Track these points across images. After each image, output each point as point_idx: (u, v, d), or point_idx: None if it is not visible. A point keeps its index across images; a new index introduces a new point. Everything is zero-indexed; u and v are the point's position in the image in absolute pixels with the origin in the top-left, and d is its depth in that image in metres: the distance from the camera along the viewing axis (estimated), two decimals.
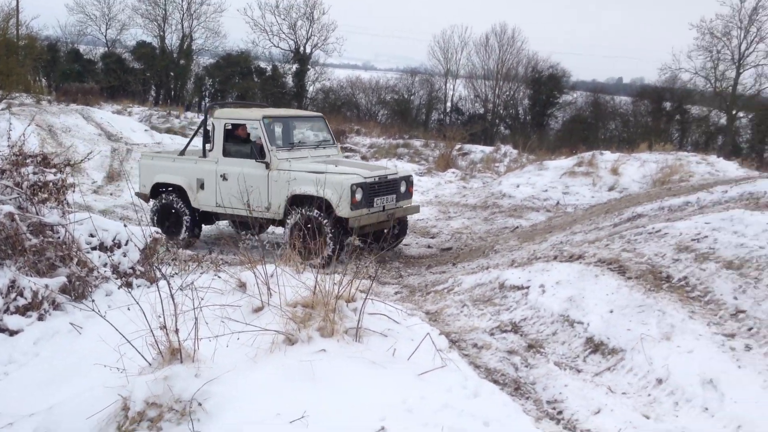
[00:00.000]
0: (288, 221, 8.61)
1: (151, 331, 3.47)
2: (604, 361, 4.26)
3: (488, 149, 21.80)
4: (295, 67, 37.29)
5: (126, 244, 5.86)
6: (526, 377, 4.18)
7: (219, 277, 4.76)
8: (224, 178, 9.03)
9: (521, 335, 4.66)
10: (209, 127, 9.64)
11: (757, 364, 4.07)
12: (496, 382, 3.99)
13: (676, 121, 36.40)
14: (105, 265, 5.56)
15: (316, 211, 8.24)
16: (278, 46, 37.68)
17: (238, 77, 36.64)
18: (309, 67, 37.51)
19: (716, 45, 36.52)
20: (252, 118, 9.25)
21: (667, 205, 7.44)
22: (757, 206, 6.49)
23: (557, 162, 13.05)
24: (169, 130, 22.07)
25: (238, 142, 9.33)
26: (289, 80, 37.79)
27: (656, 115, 35.94)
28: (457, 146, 20.26)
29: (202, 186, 9.35)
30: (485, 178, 15.09)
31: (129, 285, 5.45)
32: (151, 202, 9.78)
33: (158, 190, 9.87)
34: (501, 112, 35.73)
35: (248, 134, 9.50)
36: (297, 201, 8.57)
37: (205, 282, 4.70)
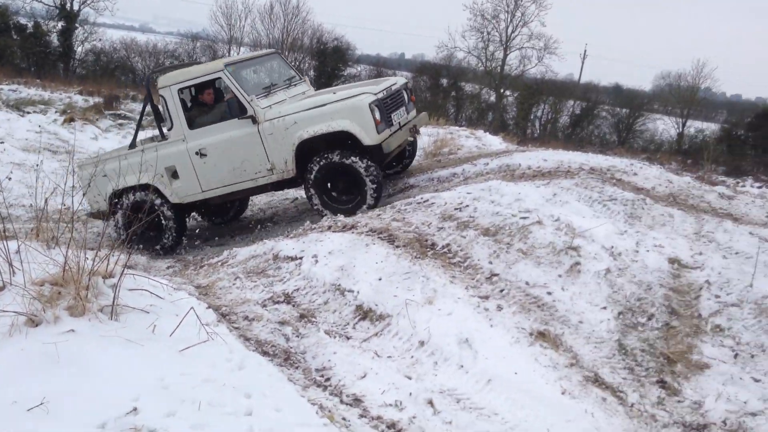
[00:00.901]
0: (307, 175, 7.17)
1: None
2: (372, 327, 4.42)
3: None
4: (60, 24, 34.01)
5: None
6: (297, 347, 4.21)
7: None
8: (201, 154, 7.41)
9: (294, 306, 4.68)
10: (158, 103, 7.81)
11: (506, 322, 4.46)
12: (266, 353, 3.98)
13: (452, 97, 38.70)
14: None
15: (338, 154, 6.95)
16: (41, 1, 34.18)
17: None
18: (77, 25, 34.42)
19: (487, 27, 39.38)
20: (211, 70, 7.48)
21: (436, 176, 7.88)
22: (512, 177, 7.09)
23: None
24: None
25: (201, 108, 7.63)
26: (54, 39, 34.39)
27: (434, 91, 37.98)
28: None
29: (174, 174, 7.63)
30: None
31: None
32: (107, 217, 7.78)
33: (117, 201, 7.84)
34: None
35: (212, 95, 7.77)
36: (305, 149, 7.19)
37: None
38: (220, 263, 5.79)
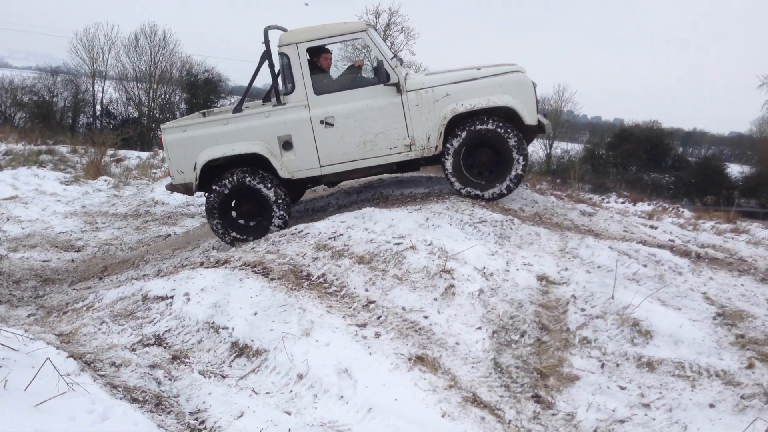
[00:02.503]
0: (448, 151, 6.71)
1: None
2: (249, 364, 4.29)
3: (145, 154, 20.89)
4: None
5: None
6: (169, 390, 4.01)
7: None
8: (327, 123, 6.68)
9: (165, 347, 4.47)
10: (279, 62, 6.89)
11: (385, 349, 4.45)
12: (135, 400, 3.75)
13: None
14: None
15: (493, 122, 6.55)
16: None
17: None
18: None
19: (358, 56, 39.97)
20: (352, 30, 6.77)
21: (311, 206, 7.85)
22: (386, 203, 7.17)
23: None
24: None
25: (322, 72, 6.89)
26: None
27: None
28: (110, 152, 19.04)
29: (288, 145, 6.76)
30: (141, 185, 14.40)
31: None
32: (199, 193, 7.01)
33: (210, 174, 6.86)
34: (157, 115, 34.50)
35: (330, 60, 7.11)
36: (452, 125, 6.72)
37: None
38: (84, 308, 5.45)
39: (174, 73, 35.66)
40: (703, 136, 78.34)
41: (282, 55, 6.79)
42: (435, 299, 5.03)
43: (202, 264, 5.65)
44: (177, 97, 35.42)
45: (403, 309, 4.89)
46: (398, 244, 5.67)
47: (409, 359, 4.36)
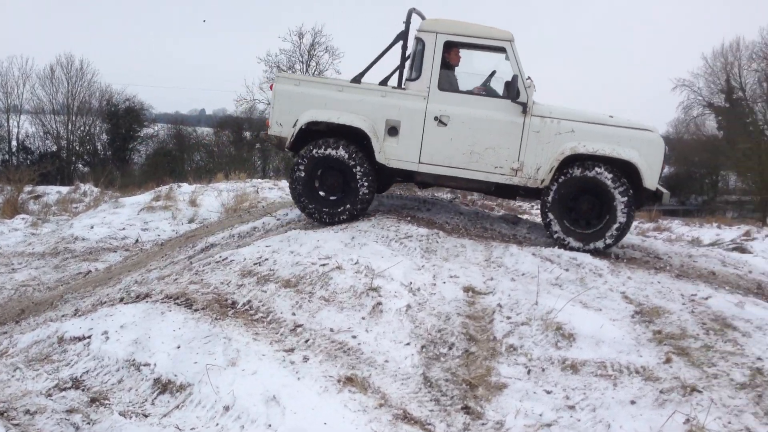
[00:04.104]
0: (553, 189, 6.42)
1: None
2: (173, 400, 4.16)
3: (66, 189, 20.20)
4: None
5: None
6: None
7: None
8: (440, 121, 6.48)
9: (83, 390, 4.30)
10: (414, 46, 6.71)
11: (314, 372, 4.40)
12: None
13: (257, 149, 38.63)
14: None
15: (609, 174, 6.20)
16: None
17: None
18: None
19: None
20: (499, 36, 6.50)
21: (237, 232, 7.74)
22: (312, 225, 7.13)
23: (135, 198, 12.69)
24: None
25: (450, 69, 6.65)
26: None
27: (238, 145, 37.71)
28: (28, 188, 18.33)
29: (393, 131, 6.58)
30: (61, 221, 13.91)
31: None
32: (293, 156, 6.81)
33: (309, 135, 6.69)
34: (77, 148, 33.54)
35: (459, 57, 6.85)
36: (567, 164, 6.41)
37: None
38: None
39: (93, 103, 34.80)
40: None
41: (418, 40, 6.65)
42: (363, 318, 5.02)
43: (122, 300, 5.47)
44: (98, 128, 34.53)
45: (331, 330, 4.85)
46: (324, 265, 5.64)
47: (339, 381, 4.32)
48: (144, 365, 4.44)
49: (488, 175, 6.62)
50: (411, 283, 5.51)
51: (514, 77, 6.43)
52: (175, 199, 11.92)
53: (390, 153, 6.66)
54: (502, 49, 6.56)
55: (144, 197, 12.45)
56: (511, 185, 6.70)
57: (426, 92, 6.57)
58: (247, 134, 37.81)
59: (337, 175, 6.81)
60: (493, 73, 6.99)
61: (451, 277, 5.81)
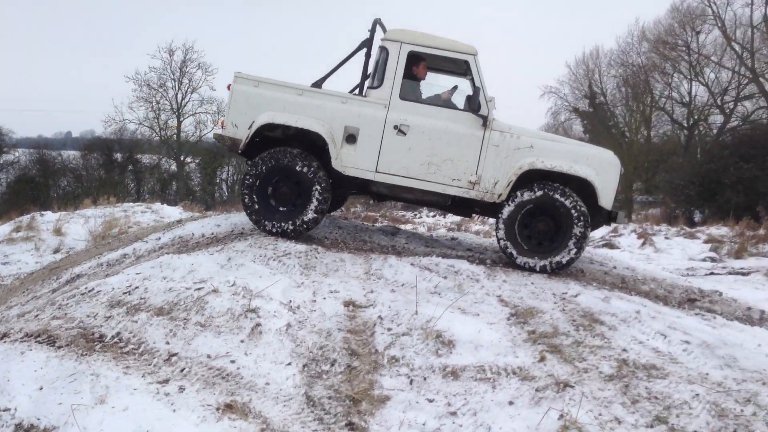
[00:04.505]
0: (508, 204, 6.40)
1: None
2: None
3: None
4: None
5: None
6: None
7: None
8: (400, 131, 6.43)
9: None
10: (377, 54, 6.72)
11: (190, 403, 4.21)
12: None
13: (129, 171, 37.15)
14: None
15: (565, 193, 6.25)
16: None
17: None
18: None
19: (155, 96, 38.66)
20: (463, 50, 6.51)
21: (105, 261, 7.35)
22: (187, 248, 6.89)
23: None
24: None
25: (414, 80, 6.62)
26: None
27: (109, 167, 36.10)
28: None
29: (351, 138, 6.49)
30: None
31: None
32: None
33: (264, 142, 6.55)
34: None
35: (426, 71, 6.83)
36: (524, 179, 6.43)
37: None
38: None
39: None
40: None
41: (383, 48, 6.63)
42: (242, 341, 4.88)
43: None
44: None
45: (209, 357, 4.68)
46: (199, 289, 5.45)
47: (218, 409, 4.17)
48: (4, 410, 4.10)
49: (445, 188, 6.62)
50: (290, 301, 5.43)
51: (476, 90, 6.49)
52: (37, 229, 11.20)
53: (347, 160, 6.59)
54: (465, 62, 6.65)
55: (2, 229, 11.62)
56: (467, 198, 6.70)
57: (387, 100, 6.57)
58: (118, 156, 36.26)
59: (291, 185, 6.70)
60: (455, 87, 7.03)
61: (332, 292, 5.77)
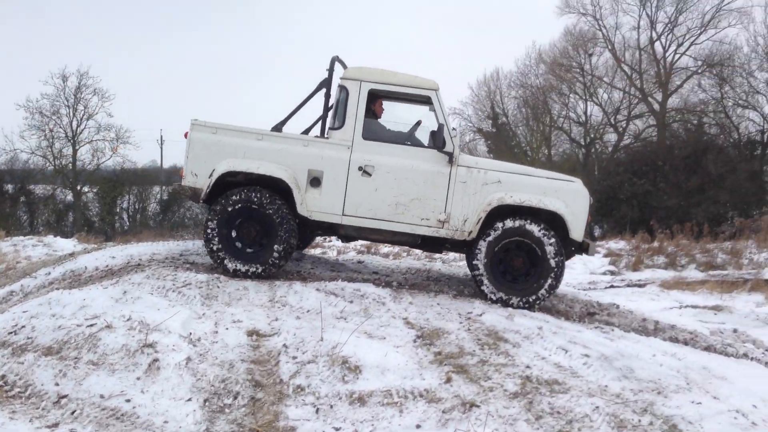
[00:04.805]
0: (482, 242, 6.33)
1: None
2: None
3: None
4: None
5: None
6: None
7: None
8: (364, 171, 6.34)
9: None
10: (337, 94, 6.59)
11: None
12: None
13: (22, 203, 35.28)
14: None
15: (537, 226, 6.26)
16: None
17: None
18: None
19: (48, 124, 36.97)
20: (424, 86, 6.45)
21: None
22: (79, 283, 6.55)
23: None
24: None
25: (374, 118, 6.61)
26: None
27: (1, 199, 34.20)
28: None
29: (316, 182, 6.38)
30: None
31: None
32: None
33: (223, 185, 6.40)
34: None
35: (383, 109, 6.83)
36: (493, 215, 6.38)
37: None
38: None
39: None
40: None
41: (342, 88, 6.48)
42: (138, 378, 4.64)
43: None
44: None
45: (102, 397, 4.43)
46: (92, 325, 5.16)
47: None
48: None
49: (414, 228, 6.49)
50: (191, 333, 5.23)
51: (440, 126, 6.34)
52: None
53: (312, 205, 6.45)
54: (427, 98, 6.55)
55: None
56: (438, 237, 6.58)
57: (350, 141, 6.41)
58: (9, 187, 34.37)
59: (257, 226, 6.53)
60: (419, 122, 6.95)
61: (234, 322, 5.60)
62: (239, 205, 6.43)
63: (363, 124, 6.46)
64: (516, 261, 6.52)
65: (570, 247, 6.62)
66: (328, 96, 6.78)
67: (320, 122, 7.04)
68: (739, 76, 30.39)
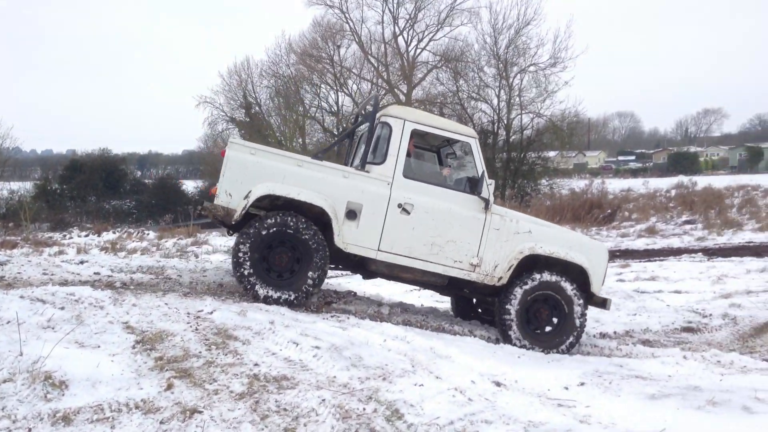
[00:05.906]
0: (518, 289, 6.50)
1: None
2: None
3: None
4: None
5: None
6: None
7: None
8: (404, 209, 6.29)
9: None
10: (378, 130, 6.53)
11: None
12: None
13: None
14: None
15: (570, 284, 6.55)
16: None
17: None
18: None
19: None
20: (465, 133, 6.66)
21: None
22: None
23: None
24: None
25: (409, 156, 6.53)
26: None
27: None
28: None
29: (352, 215, 6.22)
30: None
31: None
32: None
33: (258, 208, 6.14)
34: None
35: (413, 148, 6.83)
36: (524, 264, 6.57)
37: None
38: None
39: None
40: (159, 157, 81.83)
41: (384, 124, 6.48)
42: None
43: None
44: None
45: None
46: None
47: None
48: None
49: (447, 269, 6.54)
50: None
51: (481, 174, 6.52)
52: None
53: (348, 237, 6.34)
54: (467, 144, 6.70)
55: None
56: (467, 281, 6.65)
57: (390, 178, 6.42)
58: None
59: (288, 253, 6.31)
60: (451, 167, 7.10)
61: None
62: (274, 229, 6.21)
63: (404, 162, 6.54)
64: (542, 313, 6.79)
65: (588, 300, 6.93)
66: (372, 130, 6.68)
67: (348, 153, 7.30)
68: (472, 71, 33.18)
